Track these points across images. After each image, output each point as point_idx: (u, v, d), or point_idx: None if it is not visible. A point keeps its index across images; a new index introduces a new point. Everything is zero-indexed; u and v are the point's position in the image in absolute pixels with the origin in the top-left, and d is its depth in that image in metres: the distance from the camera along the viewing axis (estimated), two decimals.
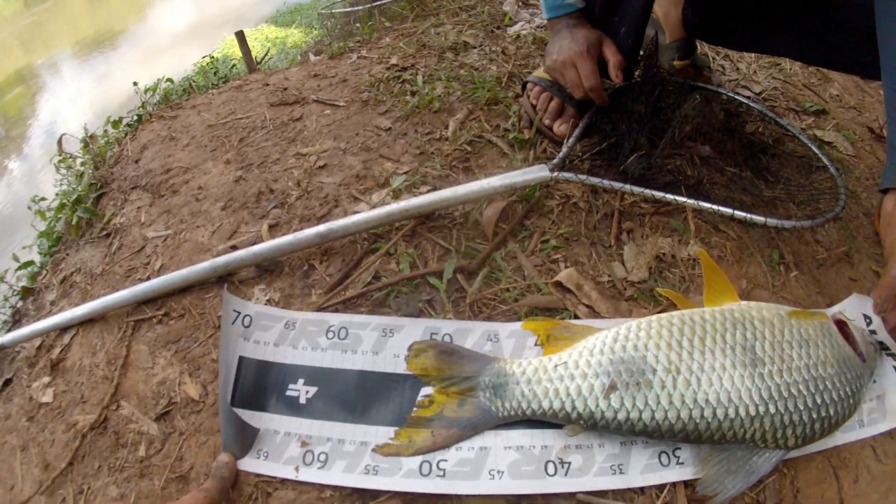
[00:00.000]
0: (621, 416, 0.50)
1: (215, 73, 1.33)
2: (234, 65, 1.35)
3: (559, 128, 0.78)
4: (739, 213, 0.67)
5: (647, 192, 0.65)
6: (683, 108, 0.73)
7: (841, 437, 0.58)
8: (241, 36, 1.40)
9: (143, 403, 0.65)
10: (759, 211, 0.78)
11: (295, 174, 0.79)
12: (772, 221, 0.68)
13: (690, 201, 0.66)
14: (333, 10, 1.63)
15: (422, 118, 0.84)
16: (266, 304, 0.66)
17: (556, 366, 0.53)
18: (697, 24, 0.92)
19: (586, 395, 0.50)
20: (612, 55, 0.74)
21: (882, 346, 0.66)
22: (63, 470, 0.61)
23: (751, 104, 0.90)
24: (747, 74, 1.04)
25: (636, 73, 0.81)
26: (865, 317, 0.71)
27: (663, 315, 0.55)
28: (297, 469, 0.54)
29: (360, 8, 1.41)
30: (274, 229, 0.74)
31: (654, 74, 0.83)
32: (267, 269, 0.70)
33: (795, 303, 0.70)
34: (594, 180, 0.66)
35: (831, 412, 0.54)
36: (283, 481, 0.54)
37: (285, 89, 0.98)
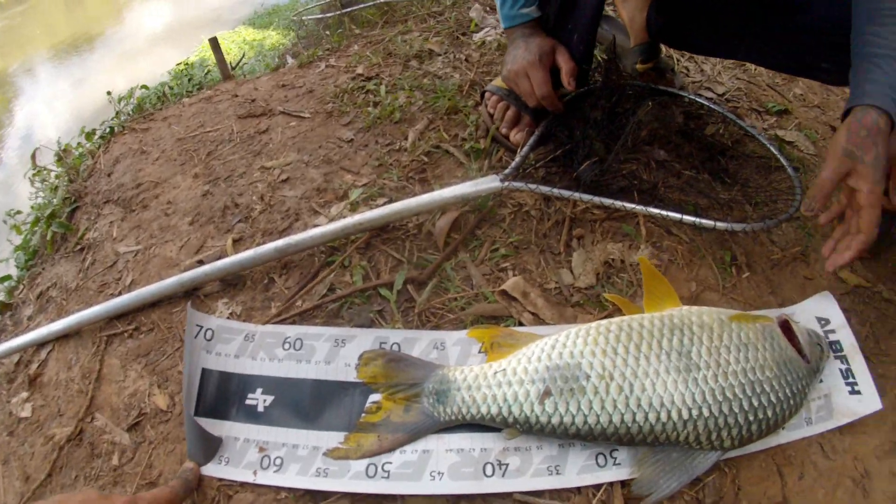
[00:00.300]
0: (555, 420, 0.55)
1: (190, 80, 1.40)
2: (208, 70, 1.41)
3: (515, 136, 0.83)
4: (688, 218, 0.72)
5: (596, 199, 0.71)
6: (637, 115, 0.78)
7: (786, 436, 0.62)
8: (214, 42, 1.46)
9: (116, 415, 0.71)
10: (713, 214, 0.83)
11: (259, 188, 0.85)
12: (721, 225, 0.73)
13: (639, 207, 0.71)
14: (304, 17, 1.68)
15: (383, 129, 0.90)
16: (228, 318, 0.72)
17: (495, 373, 0.58)
18: (661, 29, 0.97)
19: (522, 400, 0.56)
20: (564, 63, 0.79)
21: (832, 348, 0.71)
22: (43, 481, 0.68)
23: (711, 106, 0.94)
24: (711, 76, 1.09)
25: (593, 79, 0.86)
26: (820, 319, 0.75)
27: (602, 322, 0.60)
28: (255, 473, 0.60)
29: (331, 14, 1.47)
30: (238, 243, 0.80)
31: (612, 80, 0.88)
32: (231, 282, 0.76)
33: (746, 304, 0.75)
34: (544, 189, 0.71)
35: (769, 414, 0.58)
36: (243, 485, 0.60)
37: (253, 101, 1.04)
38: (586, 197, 0.70)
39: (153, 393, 0.72)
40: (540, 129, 0.82)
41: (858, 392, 0.67)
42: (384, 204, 0.75)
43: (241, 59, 1.47)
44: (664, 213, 0.71)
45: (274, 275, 0.74)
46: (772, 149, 0.89)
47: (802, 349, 0.63)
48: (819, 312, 0.75)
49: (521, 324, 0.64)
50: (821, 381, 0.67)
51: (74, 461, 0.70)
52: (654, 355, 0.57)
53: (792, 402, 0.60)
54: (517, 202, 0.76)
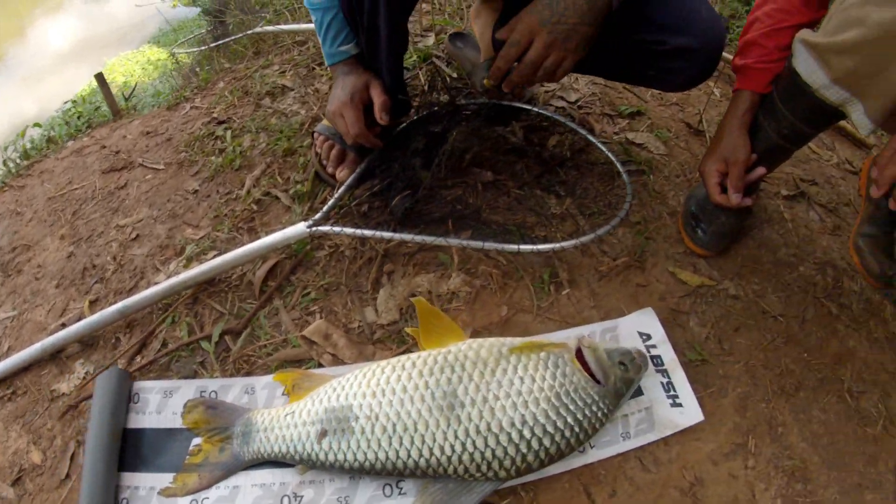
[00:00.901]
0: (331, 458, 0.67)
1: (79, 118, 1.53)
2: (97, 107, 1.53)
3: (341, 174, 0.94)
4: (490, 245, 0.82)
5: (397, 236, 0.82)
6: (447, 143, 0.88)
7: (595, 454, 0.70)
8: (101, 78, 1.57)
9: (3, 472, 0.87)
10: (538, 231, 0.92)
11: (113, 248, 0.98)
12: (525, 248, 0.82)
13: (439, 239, 0.82)
14: (176, 52, 1.77)
15: (224, 178, 1.01)
16: (83, 378, 0.87)
17: (286, 415, 0.72)
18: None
19: (304, 440, 0.68)
20: (376, 97, 0.88)
21: (654, 362, 0.79)
22: None
23: (552, 116, 1.02)
24: (567, 84, 1.17)
25: (412, 109, 0.95)
26: (642, 334, 0.83)
27: (381, 363, 0.70)
28: None
29: (205, 48, 1.56)
30: (94, 305, 0.94)
31: (443, 106, 0.97)
32: (88, 343, 0.91)
33: (562, 322, 0.83)
34: (348, 231, 0.83)
35: (547, 443, 0.65)
36: None
37: (118, 152, 1.16)
38: (387, 235, 0.82)
39: (30, 450, 0.87)
40: (361, 166, 0.93)
41: (680, 405, 0.76)
42: (213, 257, 0.88)
43: (133, 90, 1.58)
44: (463, 242, 0.82)
45: (120, 334, 0.87)
46: (609, 154, 0.98)
47: (594, 373, 0.70)
48: (641, 327, 0.83)
49: (321, 365, 0.77)
50: (641, 394, 0.75)
51: None
52: (419, 395, 0.66)
53: (577, 428, 0.66)
54: (334, 243, 0.88)
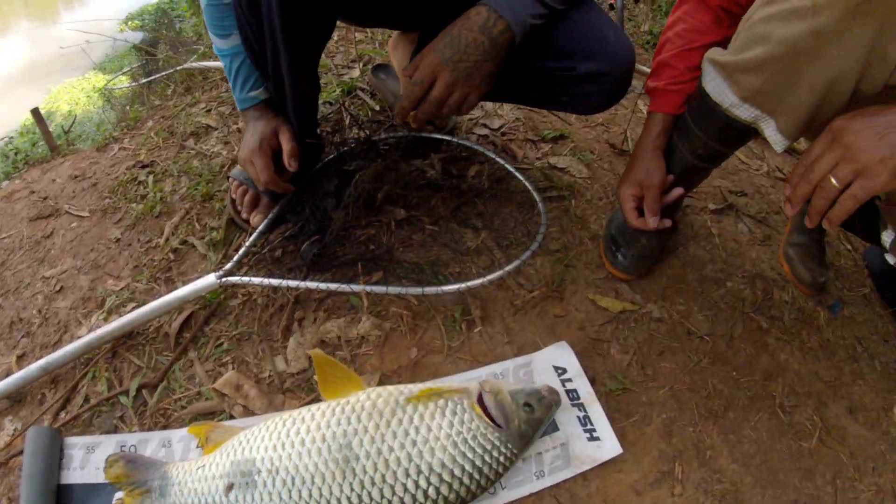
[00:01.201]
0: None
1: (16, 154, 1.56)
2: (35, 142, 1.56)
3: (254, 219, 0.98)
4: (393, 289, 0.87)
5: (303, 285, 0.86)
6: (350, 189, 0.92)
7: (507, 495, 0.72)
8: (37, 114, 1.59)
9: None
10: (452, 267, 0.97)
11: (39, 300, 1.03)
12: (430, 290, 0.87)
13: (344, 286, 0.86)
14: (111, 89, 1.79)
15: (145, 225, 1.05)
16: (13, 433, 0.92)
17: (198, 468, 0.77)
18: None
19: (213, 493, 0.72)
20: (285, 143, 0.92)
21: (570, 397, 0.81)
22: None
23: (471, 145, 1.07)
24: (491, 111, 1.20)
25: (325, 149, 0.99)
26: (557, 368, 0.85)
27: (284, 414, 0.74)
28: None
29: (136, 84, 1.58)
30: (22, 359, 0.98)
31: (356, 144, 1.01)
32: (16, 399, 0.96)
33: (473, 361, 0.85)
34: (256, 281, 0.87)
35: (445, 492, 0.67)
36: None
37: (45, 198, 1.20)
38: (293, 284, 0.87)
39: None
40: (274, 211, 0.97)
41: (597, 438, 0.78)
42: (132, 309, 0.93)
43: (72, 124, 1.61)
44: (367, 288, 0.86)
45: (45, 389, 0.92)
46: (525, 183, 1.02)
47: (495, 418, 0.72)
48: (556, 361, 0.86)
49: (232, 417, 0.82)
50: (557, 429, 0.78)
51: None
52: (315, 448, 0.69)
53: (478, 475, 0.69)
54: (247, 291, 0.93)
